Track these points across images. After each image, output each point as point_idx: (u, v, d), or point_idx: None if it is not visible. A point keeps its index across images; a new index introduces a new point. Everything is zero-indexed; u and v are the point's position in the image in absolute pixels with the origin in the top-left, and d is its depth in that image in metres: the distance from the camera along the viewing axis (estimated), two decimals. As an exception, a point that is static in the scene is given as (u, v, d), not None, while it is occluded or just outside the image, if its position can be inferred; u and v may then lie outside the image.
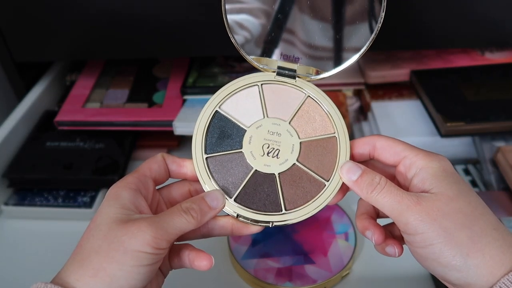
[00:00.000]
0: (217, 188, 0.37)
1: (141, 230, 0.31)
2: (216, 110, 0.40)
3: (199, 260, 0.35)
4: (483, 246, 0.30)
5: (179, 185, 0.39)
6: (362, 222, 0.37)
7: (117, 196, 0.33)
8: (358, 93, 0.69)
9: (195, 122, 0.40)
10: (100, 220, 0.32)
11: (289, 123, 0.40)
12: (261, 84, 0.41)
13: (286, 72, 0.42)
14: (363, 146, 0.38)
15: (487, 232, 0.30)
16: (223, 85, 0.41)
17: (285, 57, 0.42)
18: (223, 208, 0.36)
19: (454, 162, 0.59)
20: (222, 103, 0.40)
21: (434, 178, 0.33)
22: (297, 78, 0.41)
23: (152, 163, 0.37)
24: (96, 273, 0.30)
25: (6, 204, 0.56)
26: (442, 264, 0.30)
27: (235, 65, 0.68)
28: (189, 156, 0.39)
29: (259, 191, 0.37)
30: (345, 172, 0.36)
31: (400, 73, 0.66)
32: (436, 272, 0.32)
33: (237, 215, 0.36)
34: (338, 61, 0.41)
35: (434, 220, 0.30)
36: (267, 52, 0.42)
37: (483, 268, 0.29)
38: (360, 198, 0.37)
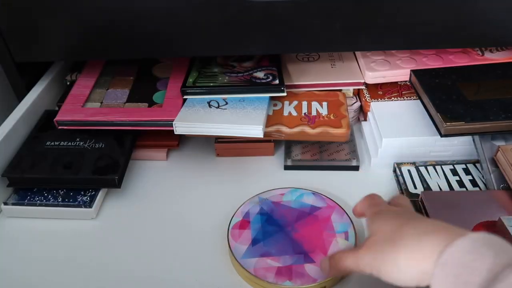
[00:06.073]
0: None
1: None
2: None
3: None
4: (401, 250, 0.35)
5: None
6: None
7: None
8: (358, 93, 0.69)
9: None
10: None
11: None
12: None
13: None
14: None
15: (406, 240, 0.35)
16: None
17: None
18: None
19: (454, 161, 0.59)
20: None
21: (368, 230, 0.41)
22: None
23: None
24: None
25: (5, 203, 0.56)
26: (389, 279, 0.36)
27: (235, 65, 0.68)
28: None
29: None
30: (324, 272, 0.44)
31: (400, 73, 0.66)
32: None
33: None
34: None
35: (370, 250, 0.38)
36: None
37: (411, 267, 0.34)
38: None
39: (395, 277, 0.35)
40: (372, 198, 0.45)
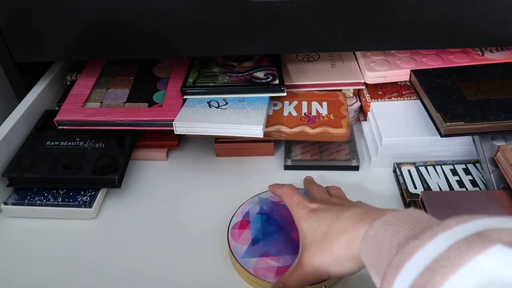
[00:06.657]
0: None
1: None
2: None
3: None
4: (338, 256, 0.39)
5: None
6: None
7: None
8: (358, 93, 0.69)
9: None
10: None
11: None
12: None
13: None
14: None
15: (337, 244, 0.39)
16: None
17: None
18: None
19: (454, 161, 0.59)
20: None
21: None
22: None
23: None
24: None
25: (5, 203, 0.56)
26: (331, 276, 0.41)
27: (235, 65, 0.68)
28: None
29: None
30: None
31: (400, 73, 0.66)
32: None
33: None
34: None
35: (313, 265, 0.41)
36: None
37: (353, 264, 0.38)
38: None
39: (343, 274, 0.40)
40: (293, 194, 0.47)
